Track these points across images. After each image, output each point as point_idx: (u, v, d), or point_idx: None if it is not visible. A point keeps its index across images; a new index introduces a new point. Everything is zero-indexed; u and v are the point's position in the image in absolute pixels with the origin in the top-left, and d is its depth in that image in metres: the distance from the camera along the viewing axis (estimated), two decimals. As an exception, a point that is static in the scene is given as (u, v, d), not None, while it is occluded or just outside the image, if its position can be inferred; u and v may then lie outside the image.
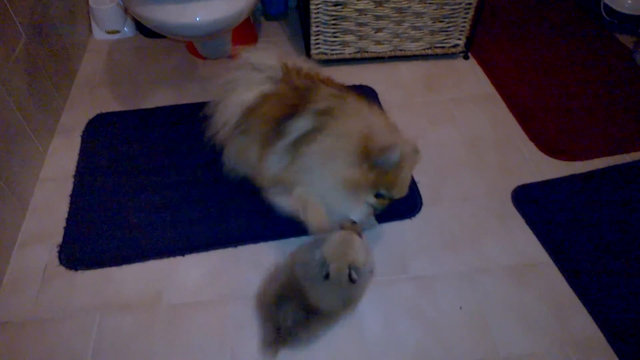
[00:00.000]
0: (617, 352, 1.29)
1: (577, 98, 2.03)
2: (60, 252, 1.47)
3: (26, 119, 1.62)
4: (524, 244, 1.54)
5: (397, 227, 1.57)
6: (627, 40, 2.32)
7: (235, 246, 1.50)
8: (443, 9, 1.99)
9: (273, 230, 1.53)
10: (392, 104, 1.97)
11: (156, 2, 1.52)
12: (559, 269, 1.47)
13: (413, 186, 1.67)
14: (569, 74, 2.14)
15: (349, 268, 1.13)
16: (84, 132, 1.83)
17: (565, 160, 1.78)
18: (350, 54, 2.10)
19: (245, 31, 2.16)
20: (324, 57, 2.10)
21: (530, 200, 1.64)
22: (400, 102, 2.00)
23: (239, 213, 1.57)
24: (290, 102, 1.32)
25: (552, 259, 1.49)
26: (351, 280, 1.12)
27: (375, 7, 1.94)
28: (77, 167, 1.70)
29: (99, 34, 2.25)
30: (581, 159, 1.78)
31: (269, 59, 1.42)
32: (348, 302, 1.23)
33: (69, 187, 1.65)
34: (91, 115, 1.89)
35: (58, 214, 1.57)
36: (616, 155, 1.79)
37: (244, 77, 1.41)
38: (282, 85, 1.36)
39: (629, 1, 2.27)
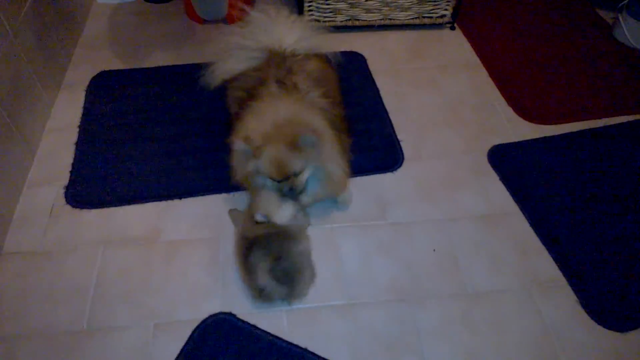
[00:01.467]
0: (575, 289, 1.42)
1: (556, 67, 2.14)
2: (66, 193, 1.59)
3: (35, 72, 1.72)
4: (496, 196, 1.66)
5: (379, 179, 1.69)
6: (607, 15, 2.43)
7: (228, 192, 1.62)
8: (431, -21, 2.09)
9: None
10: (379, 70, 2.08)
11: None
12: (526, 218, 1.60)
13: (395, 143, 1.79)
14: (550, 45, 2.25)
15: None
16: (88, 87, 1.94)
17: (539, 123, 1.89)
18: (341, 21, 2.20)
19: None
20: (317, 23, 2.19)
21: (504, 158, 1.76)
22: (386, 68, 2.10)
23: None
24: (249, 87, 1.47)
25: (521, 210, 1.62)
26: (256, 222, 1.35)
27: (366, -25, 2.04)
28: (82, 118, 1.82)
29: (102, -2, 2.34)
30: (554, 123, 1.90)
31: (263, 34, 1.54)
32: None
33: (74, 136, 1.76)
34: (94, 72, 2.00)
35: (64, 160, 1.69)
36: (587, 121, 1.91)
37: (236, 53, 1.57)
38: (260, 70, 1.50)
39: (611, -22, 2.36)
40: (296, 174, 1.33)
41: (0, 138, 1.49)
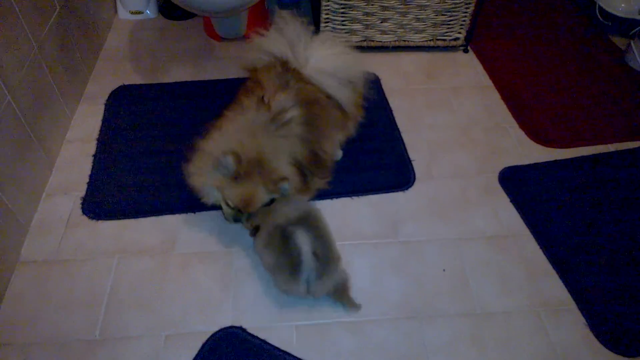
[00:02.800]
0: (584, 313, 1.42)
1: (568, 92, 2.16)
2: (83, 204, 1.62)
3: (57, 84, 1.77)
4: (506, 217, 1.67)
5: (390, 198, 1.71)
6: (619, 41, 2.46)
7: (242, 207, 1.65)
8: (445, 2, 2.13)
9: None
10: (393, 90, 2.12)
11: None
12: (536, 240, 1.60)
13: (407, 162, 1.81)
14: (562, 69, 2.28)
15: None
16: (107, 100, 1.98)
17: (551, 147, 1.91)
18: (356, 41, 2.25)
19: (259, 15, 2.30)
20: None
21: (515, 180, 1.77)
22: (400, 88, 2.14)
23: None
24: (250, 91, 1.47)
25: (531, 231, 1.62)
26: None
27: (382, -3, 2.08)
28: (100, 131, 1.86)
29: (123, 14, 2.41)
30: (566, 147, 1.91)
31: (277, 46, 1.54)
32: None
33: (92, 148, 1.80)
34: (114, 86, 2.05)
35: (82, 171, 1.72)
36: (599, 145, 1.92)
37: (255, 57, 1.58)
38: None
39: (623, 5, 2.40)
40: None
41: (21, 148, 1.53)
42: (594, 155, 1.88)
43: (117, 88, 2.04)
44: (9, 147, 1.46)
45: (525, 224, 1.65)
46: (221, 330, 1.35)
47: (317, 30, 2.24)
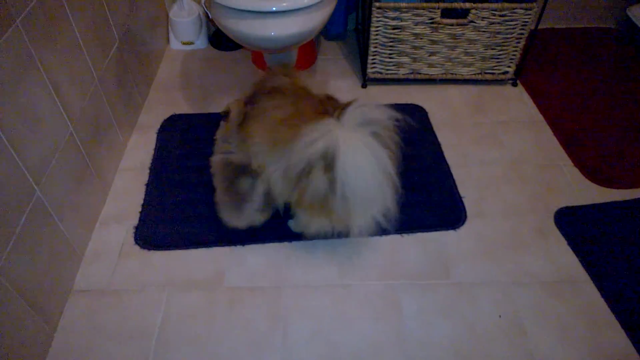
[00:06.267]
0: (651, 369, 1.34)
1: (622, 128, 2.09)
2: (135, 233, 1.65)
3: (113, 114, 1.82)
4: (563, 261, 1.60)
5: (441, 237, 1.67)
6: (677, 77, 2.37)
7: (290, 241, 1.64)
8: (495, 37, 2.11)
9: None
10: (440, 123, 2.09)
11: (240, 17, 1.71)
12: (597, 287, 1.53)
13: (457, 199, 1.77)
14: (614, 105, 2.21)
15: None
16: (159, 129, 2.03)
17: (609, 187, 1.84)
18: (404, 74, 2.24)
19: (308, 48, 2.33)
20: (379, 75, 2.25)
21: (572, 221, 1.71)
22: (448, 121, 2.11)
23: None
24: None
25: (591, 278, 1.55)
26: None
27: (432, 32, 2.08)
28: (153, 159, 1.89)
29: (175, 44, 2.48)
30: (625, 187, 1.84)
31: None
32: None
33: (145, 177, 1.83)
34: (166, 115, 2.09)
35: (135, 200, 1.75)
36: (660, 186, 1.85)
37: None
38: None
39: (680, 39, 2.32)
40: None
41: (78, 176, 1.56)
42: (655, 197, 1.80)
43: (169, 117, 2.08)
44: (69, 177, 1.50)
45: (585, 268, 1.58)
46: (270, 370, 1.33)
47: (364, 63, 2.25)
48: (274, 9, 1.68)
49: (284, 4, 1.67)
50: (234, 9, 1.72)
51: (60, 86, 1.45)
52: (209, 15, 1.84)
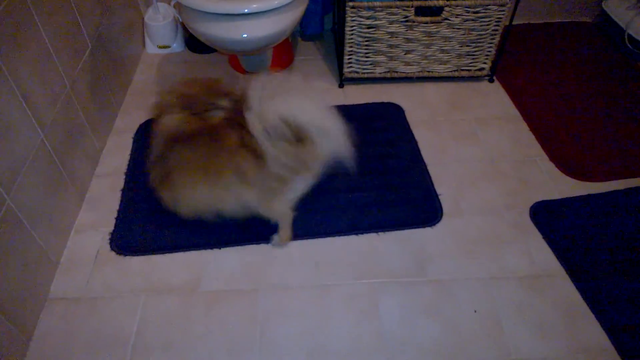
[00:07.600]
0: (625, 360, 1.36)
1: (598, 123, 2.11)
2: (111, 239, 1.64)
3: (87, 119, 1.81)
4: (539, 255, 1.62)
5: (418, 234, 1.68)
6: (650, 70, 2.41)
7: (267, 242, 1.64)
8: (470, 34, 2.12)
9: (305, 231, 1.66)
10: (418, 121, 2.10)
11: (211, 20, 1.70)
12: (572, 281, 1.54)
13: (434, 196, 1.78)
14: (591, 99, 2.23)
15: None
16: (135, 134, 2.01)
17: (583, 180, 1.86)
18: (380, 73, 2.25)
19: (284, 49, 2.33)
20: (356, 75, 2.25)
21: (548, 216, 1.72)
22: (425, 119, 2.12)
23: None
24: None
25: (567, 272, 1.57)
26: None
27: (406, 30, 2.08)
28: (128, 165, 1.88)
29: (151, 48, 2.46)
30: (599, 180, 1.86)
31: None
32: None
33: (120, 182, 1.82)
34: (142, 119, 2.08)
35: (111, 206, 1.74)
36: (634, 178, 1.87)
37: None
38: None
39: (653, 33, 2.35)
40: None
41: (51, 184, 1.55)
42: (630, 188, 1.82)
43: (145, 122, 2.07)
44: (41, 184, 1.49)
45: (560, 262, 1.59)
46: (248, 373, 1.33)
47: (340, 63, 2.25)
48: (246, 10, 1.68)
49: (255, 6, 1.67)
50: (204, 12, 1.71)
51: (29, 94, 1.43)
52: (180, 19, 1.84)
